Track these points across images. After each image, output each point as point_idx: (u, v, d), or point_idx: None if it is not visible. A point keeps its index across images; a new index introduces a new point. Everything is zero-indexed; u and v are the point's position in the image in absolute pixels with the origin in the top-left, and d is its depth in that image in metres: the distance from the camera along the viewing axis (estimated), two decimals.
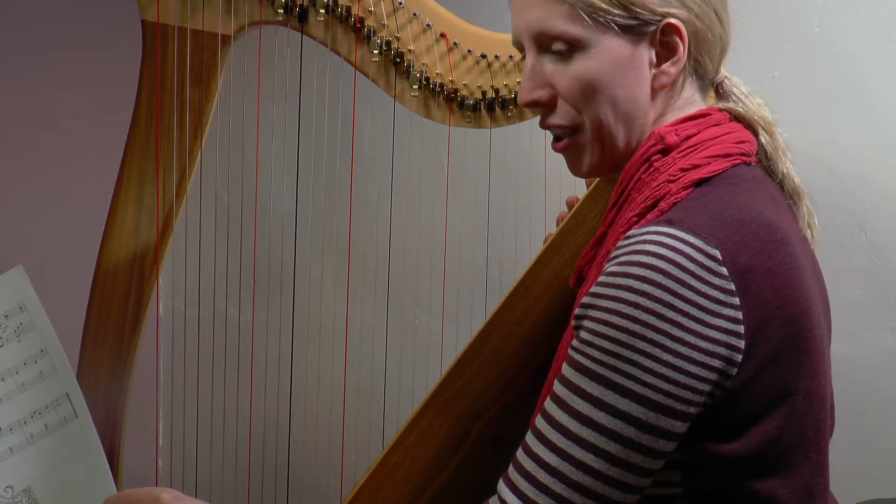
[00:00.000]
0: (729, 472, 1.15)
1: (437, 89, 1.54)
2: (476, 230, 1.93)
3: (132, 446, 1.59)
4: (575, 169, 1.30)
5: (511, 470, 1.16)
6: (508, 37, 1.52)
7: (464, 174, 1.87)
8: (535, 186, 1.82)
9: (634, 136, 1.24)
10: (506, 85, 1.53)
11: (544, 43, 1.24)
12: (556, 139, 1.29)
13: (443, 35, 1.53)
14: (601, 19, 1.19)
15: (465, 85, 1.53)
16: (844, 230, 1.99)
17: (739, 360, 1.11)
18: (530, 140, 1.58)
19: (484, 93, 1.53)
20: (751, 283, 1.11)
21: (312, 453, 1.92)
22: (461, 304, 1.99)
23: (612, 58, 1.20)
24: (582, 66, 1.21)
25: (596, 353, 1.09)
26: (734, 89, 1.28)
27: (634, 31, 1.20)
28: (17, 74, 2.43)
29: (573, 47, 1.21)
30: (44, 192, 2.43)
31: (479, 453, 1.48)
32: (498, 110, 1.54)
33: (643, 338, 1.07)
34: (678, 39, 1.20)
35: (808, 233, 1.28)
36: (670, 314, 1.07)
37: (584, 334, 1.12)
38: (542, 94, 1.26)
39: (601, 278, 1.12)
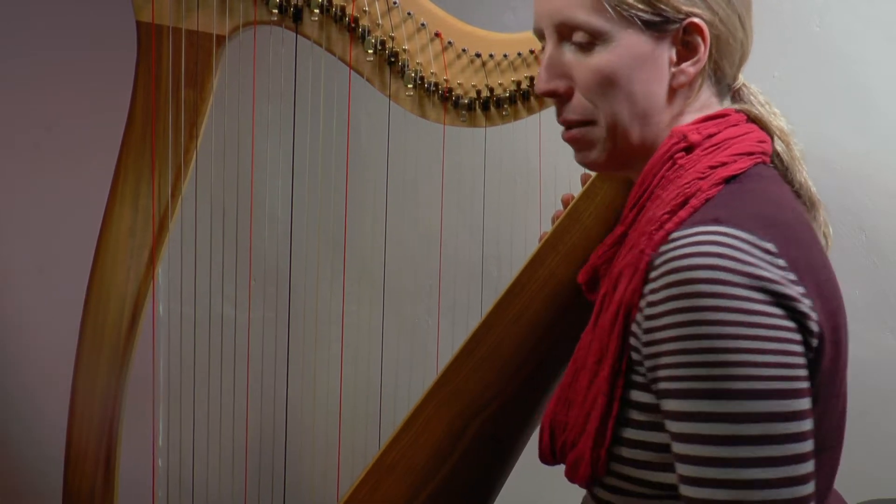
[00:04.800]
0: None
1: (432, 89, 1.54)
2: (473, 228, 1.93)
3: (130, 446, 1.60)
4: (582, 159, 1.28)
5: None
6: (503, 36, 1.53)
7: (460, 173, 1.87)
8: (531, 184, 1.83)
9: (649, 134, 1.23)
10: (500, 84, 1.53)
11: (565, 33, 1.22)
12: (568, 128, 1.27)
13: (437, 34, 1.53)
14: (625, 13, 1.18)
15: (459, 84, 1.53)
16: (844, 230, 1.99)
17: (816, 346, 1.10)
18: (525, 139, 1.58)
19: (479, 92, 1.53)
20: (801, 275, 1.10)
21: (310, 452, 1.92)
22: (458, 302, 2.00)
23: (633, 53, 1.19)
24: (602, 58, 1.19)
25: (704, 371, 1.05)
26: (752, 97, 1.28)
27: (657, 27, 1.18)
28: (17, 74, 2.44)
29: (594, 39, 1.19)
30: (44, 192, 2.43)
31: (475, 452, 1.48)
32: (493, 109, 1.54)
33: (740, 336, 1.04)
34: (700, 40, 1.19)
35: (823, 241, 1.27)
36: (753, 306, 1.05)
37: (675, 358, 1.07)
38: (559, 84, 1.24)
39: (660, 292, 1.08)
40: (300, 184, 1.92)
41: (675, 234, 1.11)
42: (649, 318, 1.10)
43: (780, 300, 1.07)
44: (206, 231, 1.69)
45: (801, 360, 1.08)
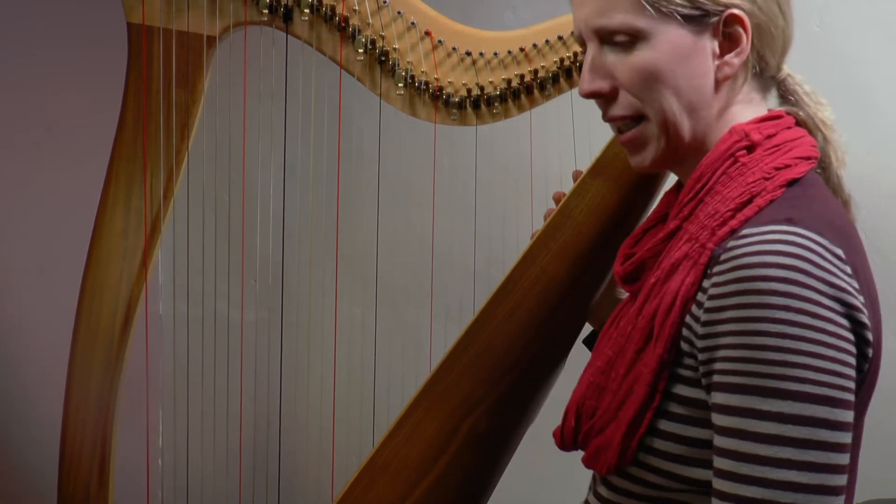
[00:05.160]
0: None
1: (423, 87, 1.53)
2: (466, 227, 1.93)
3: (126, 446, 1.60)
4: (638, 161, 1.27)
5: None
6: (493, 34, 1.53)
7: (453, 172, 1.86)
8: (523, 182, 1.82)
9: (699, 128, 1.22)
10: (490, 82, 1.53)
11: (605, 36, 1.22)
12: (620, 131, 1.27)
13: (427, 33, 1.53)
14: (664, 9, 1.18)
15: (450, 83, 1.53)
16: None
17: (871, 355, 1.11)
18: (517, 137, 1.58)
19: (469, 90, 1.53)
20: (861, 285, 1.11)
21: (304, 452, 1.92)
22: (451, 301, 2.00)
23: (674, 48, 1.19)
24: (644, 56, 1.19)
25: (762, 368, 1.05)
26: (797, 88, 1.27)
27: (697, 21, 1.18)
28: (17, 74, 2.44)
29: (635, 38, 1.19)
30: (44, 192, 2.43)
31: (468, 450, 1.48)
32: (483, 107, 1.54)
33: (803, 339, 1.05)
34: (741, 30, 1.19)
35: None
36: (821, 311, 1.05)
37: (735, 352, 1.07)
38: (602, 84, 1.23)
39: (725, 286, 1.08)
40: (293, 183, 1.92)
41: (745, 231, 1.11)
42: (710, 310, 1.09)
43: (848, 310, 1.07)
44: (203, 231, 1.69)
45: (853, 373, 1.08)
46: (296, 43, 1.54)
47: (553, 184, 1.58)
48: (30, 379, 2.42)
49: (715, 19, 1.19)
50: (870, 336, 1.10)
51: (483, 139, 1.60)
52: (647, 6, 1.18)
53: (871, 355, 1.10)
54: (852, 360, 1.08)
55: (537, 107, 1.54)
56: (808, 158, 1.20)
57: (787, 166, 1.18)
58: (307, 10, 1.52)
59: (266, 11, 1.52)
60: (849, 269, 1.09)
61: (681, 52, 1.19)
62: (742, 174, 1.18)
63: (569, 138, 1.56)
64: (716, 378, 1.09)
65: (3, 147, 2.43)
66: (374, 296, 1.79)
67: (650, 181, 1.46)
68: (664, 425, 1.15)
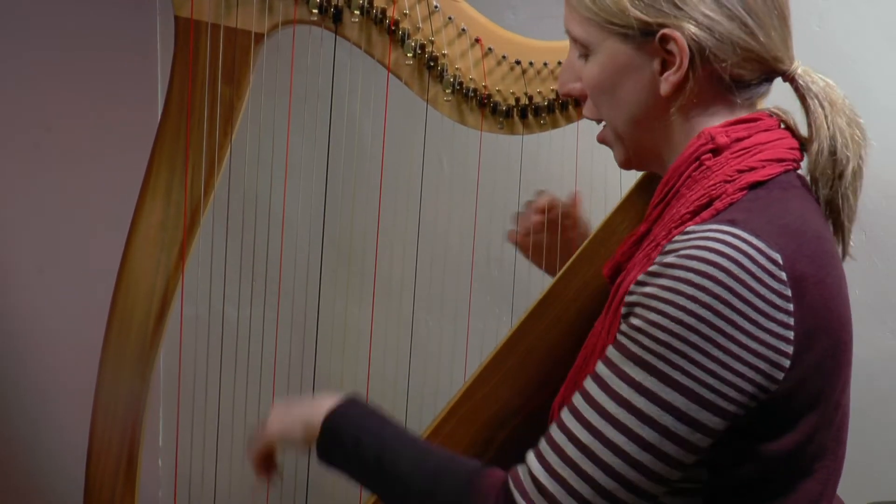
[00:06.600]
0: (755, 477, 1.16)
1: (471, 94, 1.53)
2: (504, 234, 1.91)
3: (147, 449, 1.57)
4: (614, 158, 1.34)
5: (542, 443, 1.17)
6: (543, 43, 1.54)
7: (450, 172, 1.83)
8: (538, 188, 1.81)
9: (652, 136, 1.27)
10: (539, 92, 1.53)
11: (572, 42, 1.30)
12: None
13: (477, 40, 1.53)
14: (606, 27, 1.23)
15: (498, 91, 1.53)
16: None
17: (787, 366, 1.12)
18: (519, 139, 1.58)
19: (517, 99, 1.53)
20: (805, 291, 1.12)
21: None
22: (459, 304, 1.98)
23: (615, 62, 1.24)
24: (592, 66, 1.26)
25: (645, 341, 1.11)
26: (812, 85, 1.28)
27: (634, 39, 1.22)
28: (17, 74, 2.41)
29: (587, 49, 1.26)
30: (44, 192, 2.40)
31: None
32: (531, 117, 1.54)
33: (696, 331, 1.08)
34: (677, 49, 1.20)
35: (839, 247, 1.29)
36: (726, 312, 1.09)
37: (635, 321, 1.12)
38: (573, 87, 1.32)
39: (656, 268, 1.13)
40: (311, 185, 1.89)
41: (689, 228, 1.15)
42: (638, 283, 1.14)
43: (760, 315, 1.10)
44: (227, 233, 1.66)
45: (740, 382, 1.10)
46: (316, 44, 1.52)
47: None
48: (29, 379, 2.37)
49: (651, 38, 1.21)
50: (784, 347, 1.11)
51: (486, 141, 1.60)
52: (592, 21, 1.24)
53: (787, 365, 1.12)
54: (745, 370, 1.10)
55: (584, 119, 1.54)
56: (780, 161, 1.22)
57: (752, 169, 1.20)
58: (357, 12, 1.51)
59: (316, 11, 1.51)
60: (783, 276, 1.11)
61: (621, 66, 1.24)
62: (706, 177, 1.20)
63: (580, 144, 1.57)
64: (617, 336, 1.15)
65: (3, 147, 2.39)
66: (412, 304, 1.78)
67: None
68: None
